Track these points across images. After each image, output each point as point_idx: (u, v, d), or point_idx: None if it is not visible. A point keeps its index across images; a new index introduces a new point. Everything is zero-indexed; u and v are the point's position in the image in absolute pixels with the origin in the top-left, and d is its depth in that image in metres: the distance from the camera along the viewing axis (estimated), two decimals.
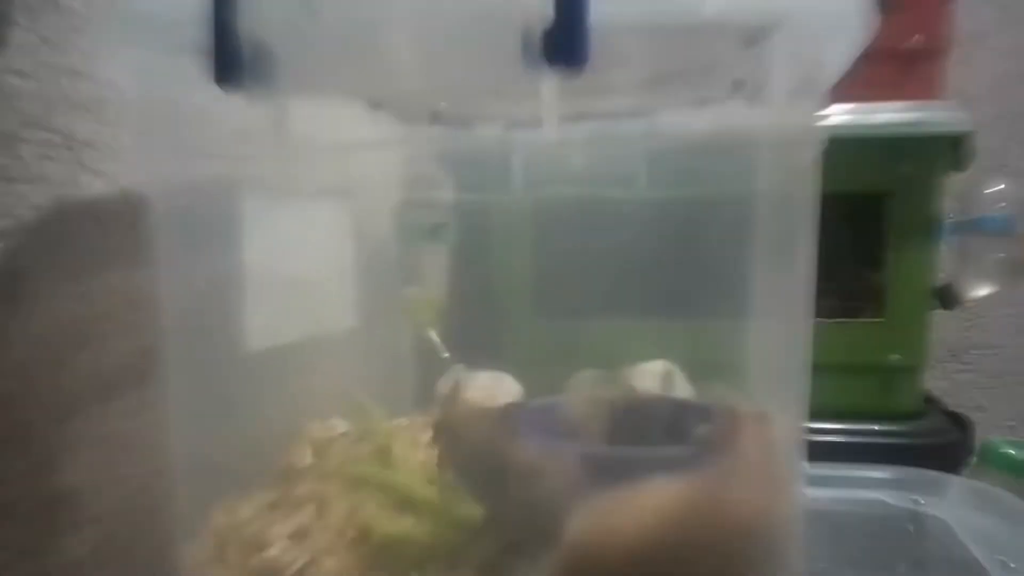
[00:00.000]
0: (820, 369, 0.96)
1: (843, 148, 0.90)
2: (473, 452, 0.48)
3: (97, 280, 0.51)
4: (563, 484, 0.47)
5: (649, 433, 0.57)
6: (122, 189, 0.51)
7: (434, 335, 0.88)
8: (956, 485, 0.70)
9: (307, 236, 0.70)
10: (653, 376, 0.67)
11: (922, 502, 0.69)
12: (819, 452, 0.86)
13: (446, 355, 0.86)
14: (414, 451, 0.63)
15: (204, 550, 0.50)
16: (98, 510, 0.51)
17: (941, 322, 0.92)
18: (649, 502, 0.41)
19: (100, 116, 0.50)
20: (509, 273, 0.94)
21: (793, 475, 0.48)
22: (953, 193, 0.89)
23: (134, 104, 0.46)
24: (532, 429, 0.60)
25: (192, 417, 0.52)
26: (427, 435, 0.68)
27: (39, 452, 0.47)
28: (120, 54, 0.42)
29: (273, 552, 0.50)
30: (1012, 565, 0.57)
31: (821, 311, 0.93)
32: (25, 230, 0.45)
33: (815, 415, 0.92)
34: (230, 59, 0.35)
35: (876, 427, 0.87)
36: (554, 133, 0.39)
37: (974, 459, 0.88)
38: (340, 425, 0.67)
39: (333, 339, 0.73)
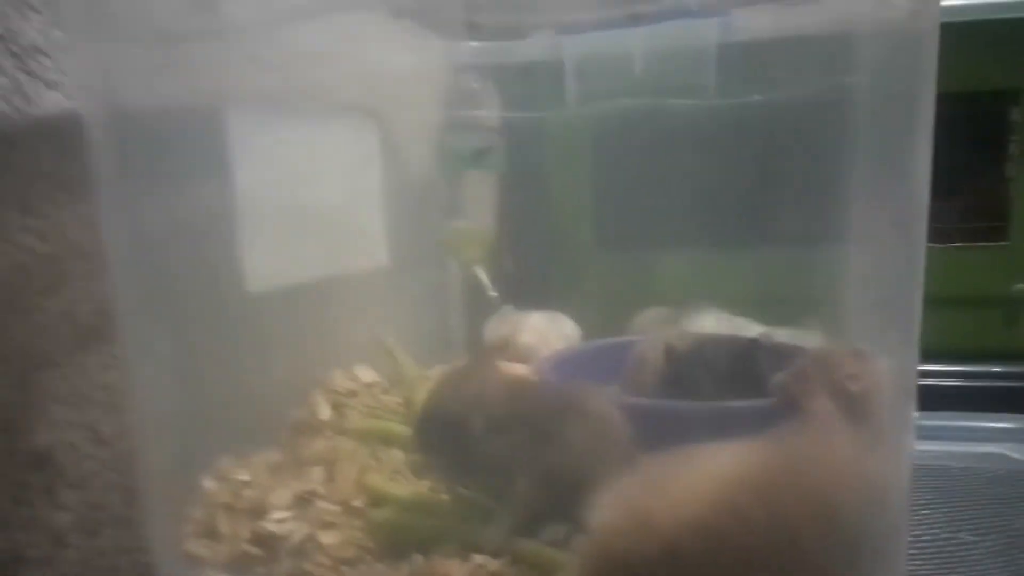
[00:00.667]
0: (931, 302, 0.83)
1: (956, 37, 0.76)
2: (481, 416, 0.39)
3: (62, 212, 0.44)
4: (604, 445, 0.38)
5: (719, 380, 0.47)
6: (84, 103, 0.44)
7: (481, 272, 0.79)
8: None
9: (326, 160, 0.61)
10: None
11: None
12: (929, 399, 0.75)
13: (494, 294, 0.78)
14: None
15: (192, 521, 0.43)
16: (79, 475, 0.45)
17: None
18: (703, 477, 0.31)
19: (50, 15, 0.43)
20: (566, 200, 0.84)
21: (900, 432, 0.38)
22: None
23: None
24: (574, 374, 0.51)
25: (177, 369, 0.45)
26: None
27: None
28: None
29: (270, 523, 0.43)
30: None
31: (932, 235, 0.80)
32: None
33: (924, 356, 0.80)
34: None
35: (997, 369, 0.75)
36: None
37: None
38: (367, 374, 0.59)
39: (362, 278, 0.65)
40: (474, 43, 0.73)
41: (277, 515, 0.43)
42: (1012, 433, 0.60)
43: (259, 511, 0.43)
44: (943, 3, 0.75)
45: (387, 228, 0.69)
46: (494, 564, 0.36)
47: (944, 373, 0.75)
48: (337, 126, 0.63)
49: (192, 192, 0.48)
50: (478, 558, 0.36)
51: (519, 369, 0.48)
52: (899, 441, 0.38)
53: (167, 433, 0.44)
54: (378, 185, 0.68)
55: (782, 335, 0.53)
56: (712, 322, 0.58)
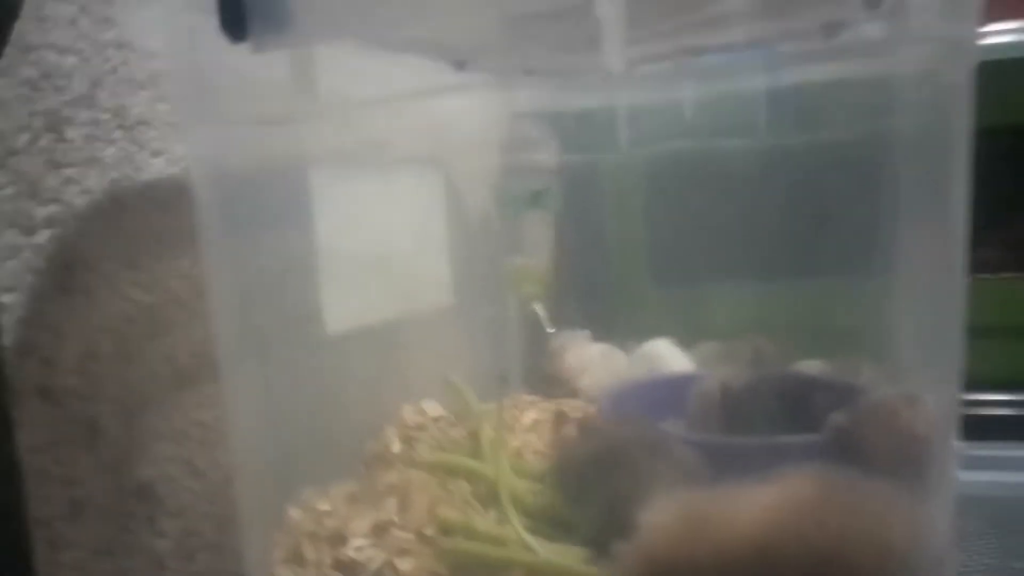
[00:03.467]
0: (985, 332, 0.83)
1: (1008, 73, 0.77)
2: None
3: (163, 266, 0.49)
4: (664, 475, 0.41)
5: (774, 418, 0.49)
6: (184, 168, 0.48)
7: (539, 308, 0.82)
8: None
9: (394, 209, 0.66)
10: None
11: None
12: (985, 429, 0.75)
13: (551, 330, 0.81)
14: (511, 436, 0.58)
15: (280, 547, 0.47)
16: (177, 505, 0.50)
17: None
18: (761, 496, 0.33)
19: (155, 91, 0.48)
20: (620, 238, 0.87)
21: (945, 465, 0.39)
22: None
23: (178, 73, 0.42)
24: (637, 408, 0.54)
25: (266, 407, 0.49)
26: (528, 416, 0.63)
27: (109, 448, 0.45)
28: (144, 15, 0.39)
29: (350, 550, 0.46)
30: None
31: (985, 265, 0.81)
32: (77, 217, 0.43)
33: (979, 386, 0.80)
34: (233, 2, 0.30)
35: None
36: (619, 63, 0.32)
37: None
38: (434, 409, 0.63)
39: (428, 318, 0.69)
40: (531, 92, 0.77)
41: (356, 543, 0.46)
42: None
43: (340, 539, 0.47)
44: (992, 40, 0.77)
45: (451, 269, 0.73)
46: None
47: (998, 402, 0.75)
48: (405, 175, 0.68)
49: (281, 244, 0.52)
50: None
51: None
52: (944, 475, 0.39)
53: (258, 466, 0.48)
54: (443, 228, 0.72)
55: (832, 369, 0.55)
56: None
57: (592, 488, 0.42)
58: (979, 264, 0.80)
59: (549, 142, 0.82)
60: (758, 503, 0.33)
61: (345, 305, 0.56)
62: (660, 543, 0.33)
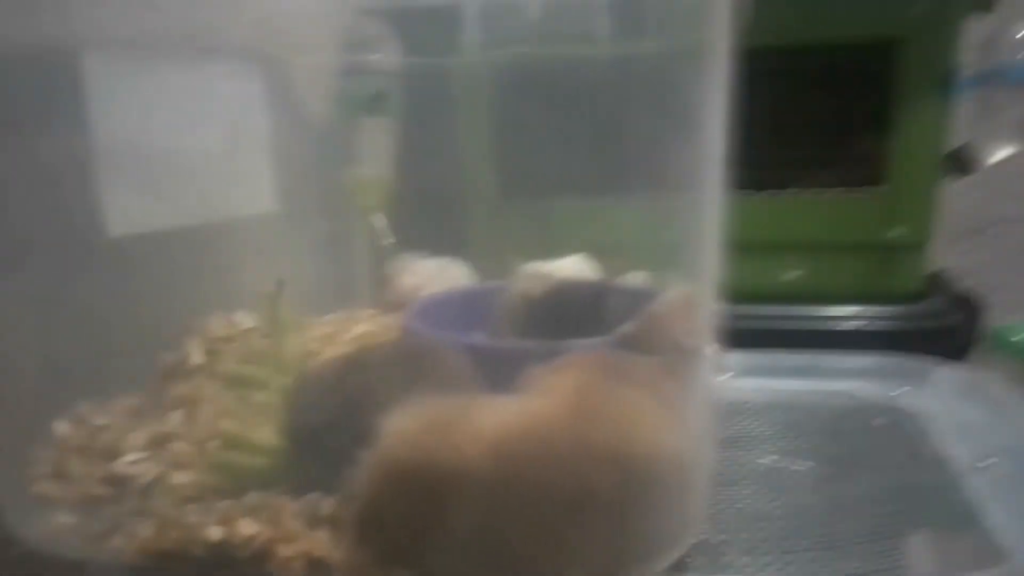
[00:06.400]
0: (814, 247, 0.86)
1: None
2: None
3: None
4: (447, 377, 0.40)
5: (571, 323, 0.49)
6: None
7: (379, 219, 0.80)
8: (941, 374, 0.61)
9: (202, 104, 0.61)
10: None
11: (896, 393, 0.61)
12: (806, 339, 0.78)
13: (391, 241, 0.79)
14: (332, 347, 0.57)
15: (43, 463, 0.44)
16: None
17: (957, 193, 0.81)
18: (501, 408, 0.33)
19: None
20: (466, 147, 0.85)
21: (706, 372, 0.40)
22: (973, 40, 0.75)
23: None
24: (444, 319, 0.53)
25: (25, 316, 0.45)
26: (358, 328, 0.62)
27: None
28: None
29: (123, 464, 0.44)
30: (984, 463, 0.49)
31: (815, 181, 0.83)
32: None
33: (804, 298, 0.83)
34: None
35: (871, 311, 0.78)
36: None
37: (985, 345, 0.79)
38: (246, 321, 0.60)
39: (247, 225, 0.65)
40: None
41: (130, 456, 0.44)
42: (864, 371, 0.63)
43: (114, 453, 0.44)
44: None
45: (278, 173, 0.69)
46: (325, 501, 0.38)
47: (821, 317, 0.78)
48: (222, 69, 0.63)
49: (48, 139, 0.47)
50: (311, 496, 0.38)
51: None
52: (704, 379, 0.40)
53: (14, 379, 0.44)
54: (266, 130, 0.68)
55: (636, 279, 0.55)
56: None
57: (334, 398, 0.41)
58: (810, 180, 0.82)
59: (391, 43, 0.78)
60: (504, 410, 0.32)
61: (133, 205, 0.52)
62: (399, 448, 0.32)
